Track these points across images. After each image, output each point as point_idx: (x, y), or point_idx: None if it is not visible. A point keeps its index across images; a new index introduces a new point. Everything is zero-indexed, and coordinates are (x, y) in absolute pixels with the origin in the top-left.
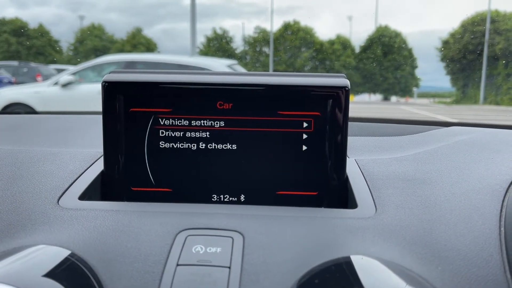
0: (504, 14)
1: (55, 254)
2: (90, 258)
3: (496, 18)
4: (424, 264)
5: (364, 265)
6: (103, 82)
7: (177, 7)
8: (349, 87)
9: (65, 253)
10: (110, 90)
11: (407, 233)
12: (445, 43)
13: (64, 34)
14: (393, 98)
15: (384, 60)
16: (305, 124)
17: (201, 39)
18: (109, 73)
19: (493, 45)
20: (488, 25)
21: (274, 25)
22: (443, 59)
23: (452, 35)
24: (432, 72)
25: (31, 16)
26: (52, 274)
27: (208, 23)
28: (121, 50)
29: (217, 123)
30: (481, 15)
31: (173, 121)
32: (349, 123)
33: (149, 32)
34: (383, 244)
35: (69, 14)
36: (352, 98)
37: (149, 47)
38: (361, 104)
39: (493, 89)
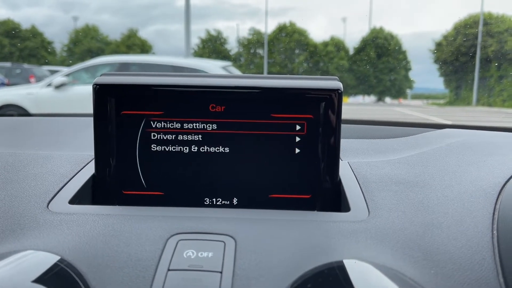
0: (497, 16)
1: (43, 260)
2: (80, 264)
3: (488, 20)
4: (417, 268)
5: (357, 269)
6: (94, 84)
7: (169, 8)
8: (342, 89)
9: (54, 258)
10: (101, 92)
11: (400, 236)
12: (438, 45)
13: (57, 35)
14: (387, 100)
15: (378, 62)
16: (298, 127)
17: (195, 41)
18: (101, 75)
19: (486, 47)
20: (480, 27)
21: (267, 27)
22: (436, 61)
23: (445, 37)
24: (425, 74)
25: (22, 17)
26: (40, 280)
27: (201, 24)
28: (116, 52)
29: (209, 126)
30: (474, 18)
31: (165, 124)
32: (342, 125)
33: (142, 33)
34: (376, 248)
35: (61, 15)
36: (346, 100)
37: (144, 48)
38: (355, 106)
39: (486, 91)
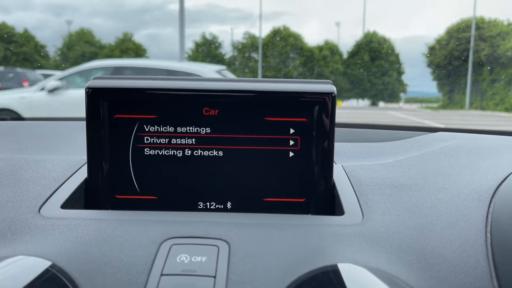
0: (489, 21)
1: (34, 265)
2: (72, 269)
3: (481, 24)
4: (411, 271)
5: (351, 273)
6: (87, 88)
7: (162, 12)
8: (336, 93)
9: (45, 264)
10: (94, 96)
11: (394, 240)
12: (431, 49)
13: (49, 39)
14: (381, 104)
15: (372, 66)
16: (291, 131)
17: (189, 45)
18: (93, 79)
19: (478, 51)
20: (473, 31)
21: (262, 31)
22: (429, 65)
23: (438, 41)
24: (418, 78)
25: (14, 21)
26: (31, 286)
27: (194, 28)
28: (110, 56)
29: (203, 130)
30: (466, 22)
31: (158, 128)
32: (336, 129)
33: (135, 37)
34: (370, 251)
35: (53, 18)
36: (340, 104)
37: (138, 52)
38: (350, 110)
39: (479, 95)
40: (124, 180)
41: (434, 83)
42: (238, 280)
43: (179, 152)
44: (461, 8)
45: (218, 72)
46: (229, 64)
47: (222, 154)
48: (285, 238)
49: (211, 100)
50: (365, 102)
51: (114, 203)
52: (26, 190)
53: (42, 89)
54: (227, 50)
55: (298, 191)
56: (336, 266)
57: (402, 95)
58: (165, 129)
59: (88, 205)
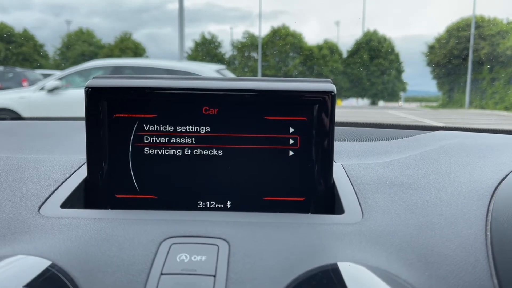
0: (489, 19)
1: (34, 265)
2: (71, 269)
3: (480, 23)
4: (411, 270)
5: (351, 272)
6: (86, 87)
7: (160, 11)
8: (335, 92)
9: (45, 263)
10: (93, 95)
11: (394, 239)
12: (431, 48)
13: (49, 39)
14: (380, 103)
15: (371, 65)
16: (291, 130)
17: (188, 44)
18: (93, 78)
19: (478, 50)
20: (472, 30)
21: (261, 30)
22: (429, 63)
23: (438, 40)
24: (418, 77)
25: (13, 20)
26: (31, 285)
27: (193, 28)
28: (109, 55)
29: (202, 129)
30: (466, 21)
31: (158, 127)
32: (336, 128)
33: (134, 37)
34: (370, 250)
35: (52, 18)
36: (340, 103)
37: (137, 51)
38: (350, 109)
39: (478, 93)
40: (123, 179)
41: (434, 82)
42: (238, 279)
43: (179, 151)
44: (461, 7)
45: (218, 71)
46: (229, 63)
47: (221, 153)
48: (285, 237)
49: (210, 99)
50: (365, 101)
51: (113, 203)
52: (25, 189)
53: (42, 88)
54: (226, 50)
55: (298, 190)
56: (336, 265)
57: (401, 94)
58: (164, 128)
59: (87, 205)
